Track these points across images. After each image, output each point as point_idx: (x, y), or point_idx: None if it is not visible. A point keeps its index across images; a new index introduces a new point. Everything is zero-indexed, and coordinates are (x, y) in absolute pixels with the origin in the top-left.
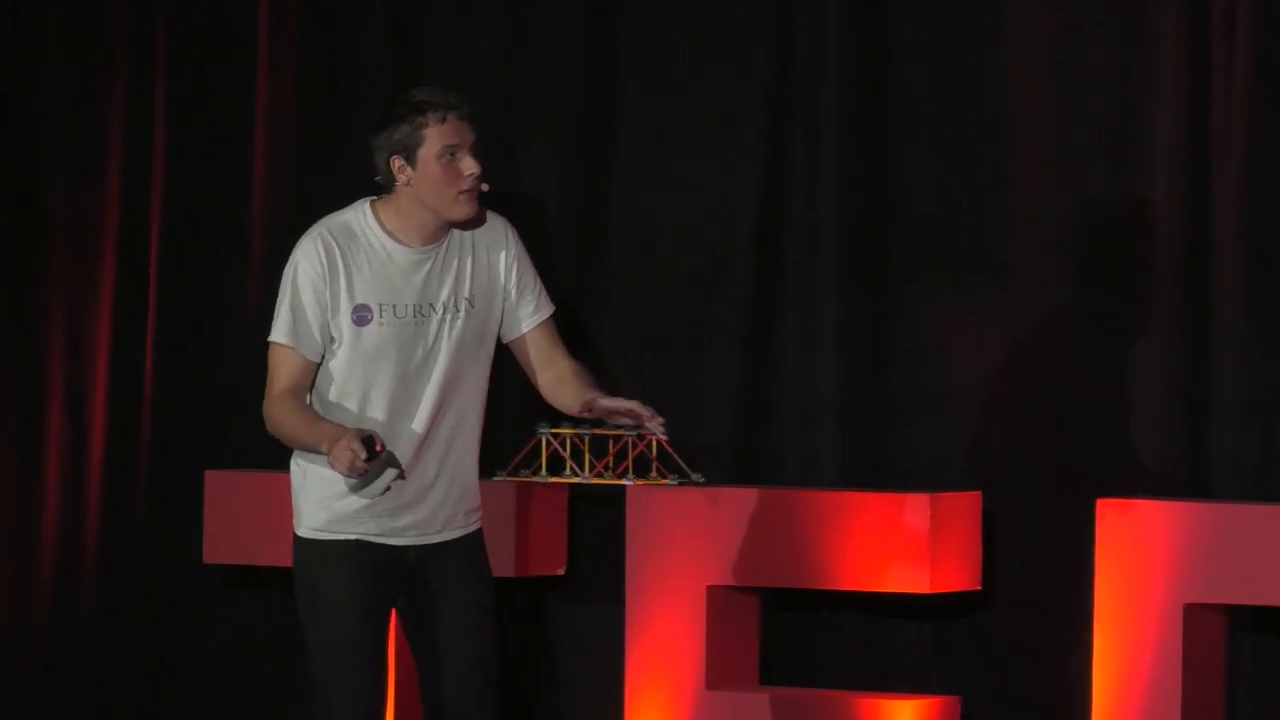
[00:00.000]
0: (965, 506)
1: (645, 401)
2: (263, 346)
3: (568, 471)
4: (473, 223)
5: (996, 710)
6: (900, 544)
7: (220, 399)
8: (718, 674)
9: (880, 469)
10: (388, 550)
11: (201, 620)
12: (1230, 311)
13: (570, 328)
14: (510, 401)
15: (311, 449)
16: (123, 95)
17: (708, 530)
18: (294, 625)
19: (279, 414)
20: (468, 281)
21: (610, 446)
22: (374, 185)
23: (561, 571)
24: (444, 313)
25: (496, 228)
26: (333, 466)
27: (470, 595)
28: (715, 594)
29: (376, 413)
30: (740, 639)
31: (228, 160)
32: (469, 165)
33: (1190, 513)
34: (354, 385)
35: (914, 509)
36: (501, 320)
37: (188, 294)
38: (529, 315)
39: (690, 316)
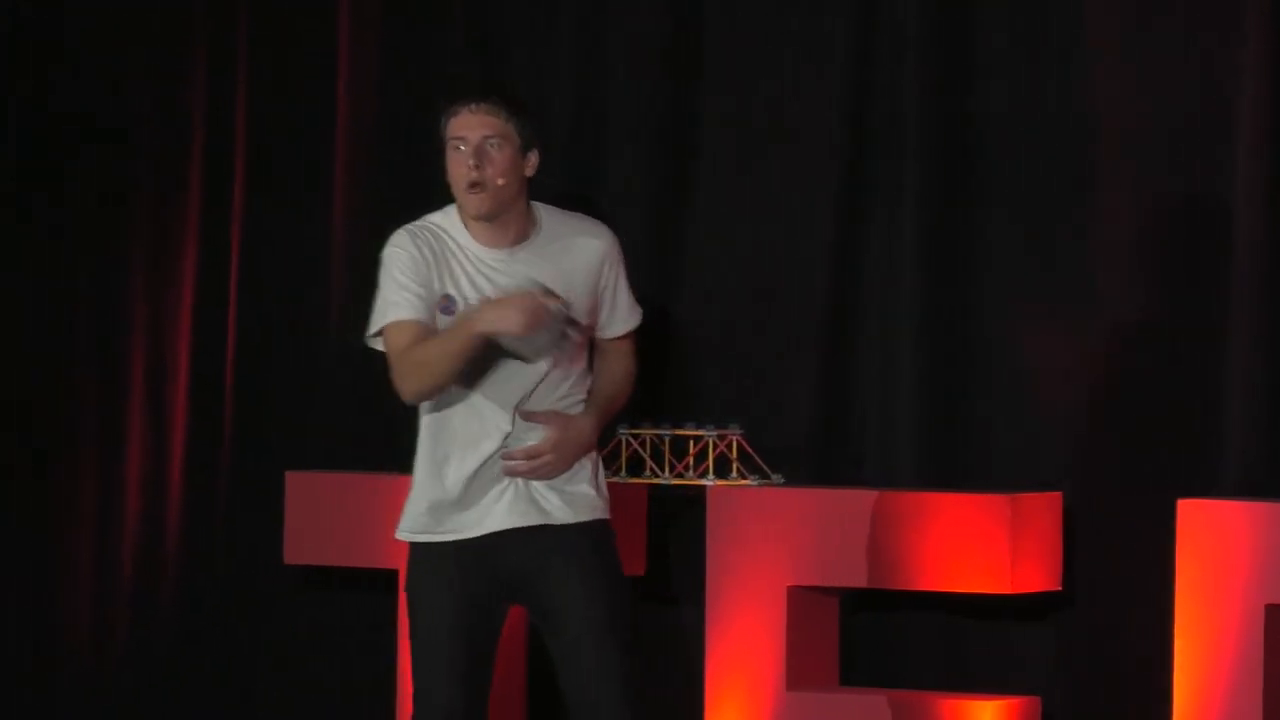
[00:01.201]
0: (1045, 507)
1: (725, 404)
2: (345, 347)
3: (648, 472)
4: (568, 226)
5: (1077, 711)
6: (980, 544)
7: (301, 399)
8: (798, 674)
9: (960, 469)
10: (483, 545)
11: (282, 621)
12: None
13: (651, 327)
14: None
15: (466, 347)
16: (203, 92)
17: (788, 531)
18: (374, 625)
19: (414, 357)
20: (555, 282)
21: (690, 447)
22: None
23: (642, 572)
24: None
25: (595, 235)
26: (498, 328)
27: (588, 591)
28: (795, 594)
29: (467, 398)
30: (820, 639)
31: (309, 160)
32: (456, 165)
33: (1272, 513)
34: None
35: (994, 509)
36: (596, 324)
37: (269, 294)
38: (608, 326)
39: (770, 317)
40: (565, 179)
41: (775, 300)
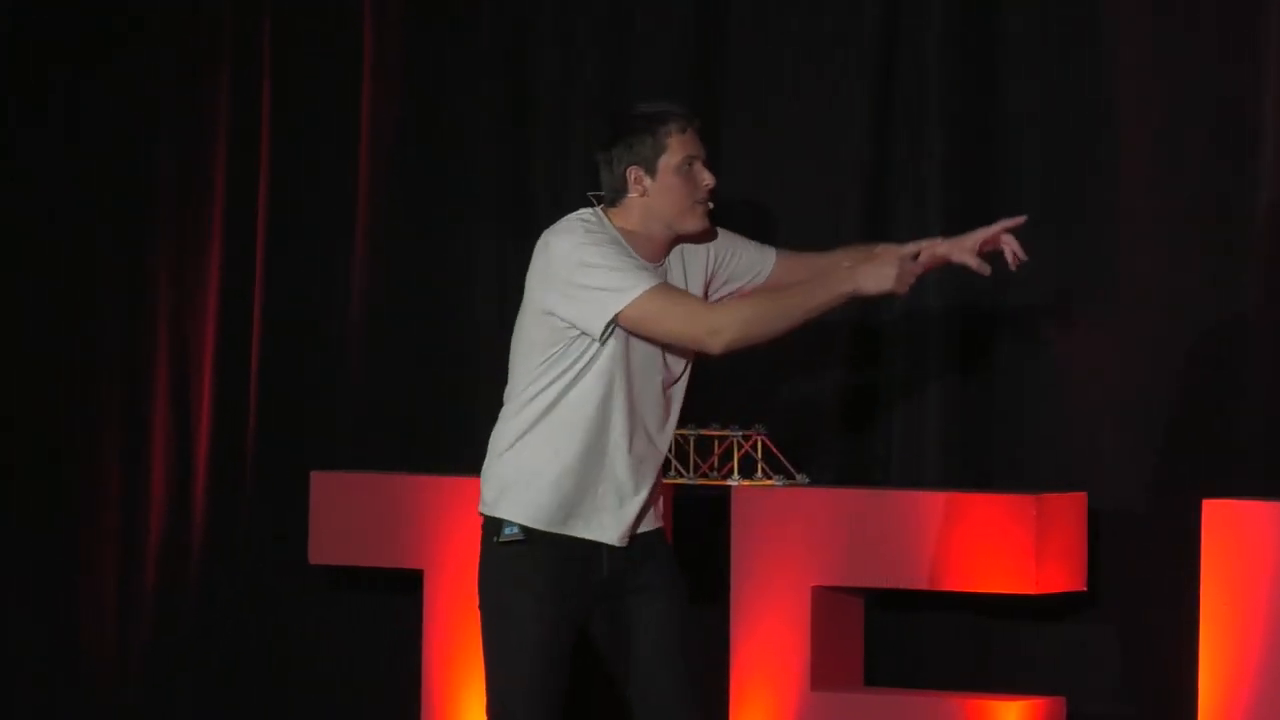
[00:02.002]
0: (1071, 507)
1: (749, 404)
2: (367, 349)
3: (673, 472)
4: (702, 236)
5: (1102, 712)
6: (1005, 544)
7: (326, 400)
8: (822, 674)
9: (985, 469)
10: (587, 546)
11: (306, 621)
12: None
13: None
14: None
15: (829, 305)
16: (228, 90)
17: (812, 531)
18: (399, 625)
19: (742, 315)
20: (695, 289)
21: (715, 447)
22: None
23: None
24: None
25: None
26: (879, 287)
27: (662, 609)
28: (820, 595)
29: (606, 404)
30: (845, 639)
31: (334, 159)
32: (706, 176)
33: None
34: (590, 371)
35: (1019, 509)
36: (726, 287)
37: (293, 295)
38: (760, 264)
39: None
40: (588, 182)
41: None
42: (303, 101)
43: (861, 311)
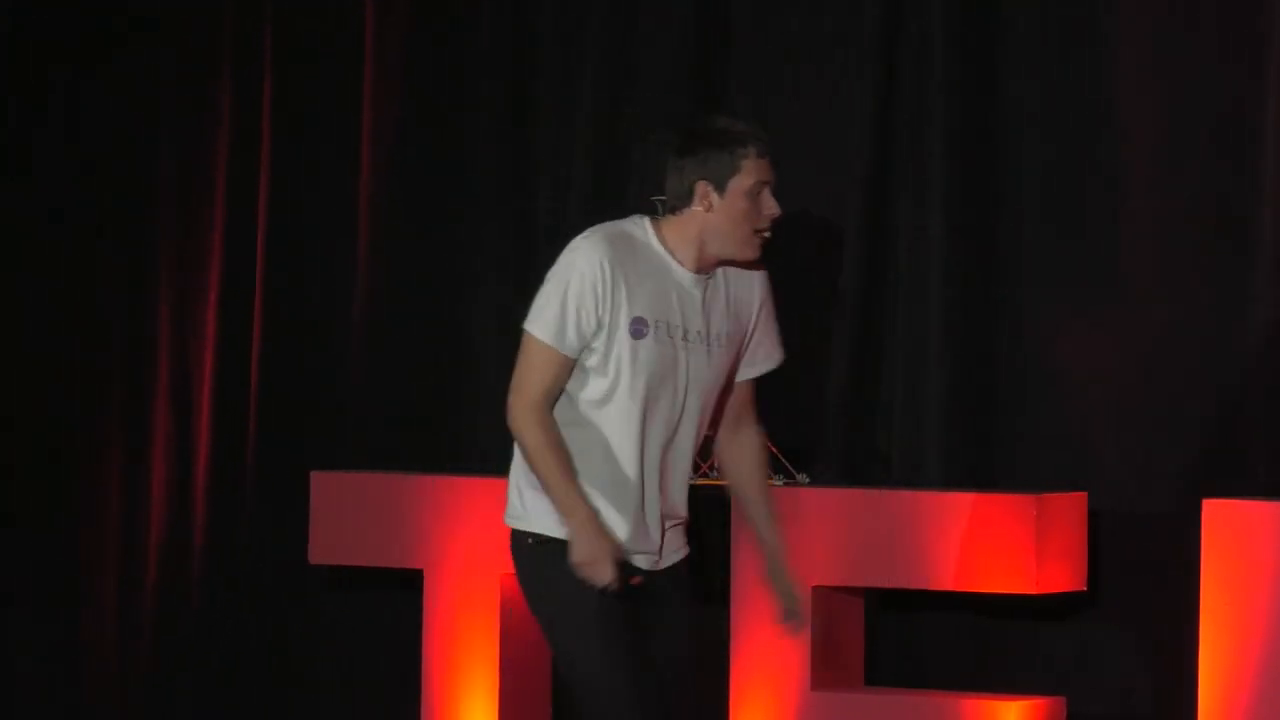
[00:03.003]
0: (1071, 507)
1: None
2: (367, 349)
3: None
4: (750, 266)
5: (1102, 711)
6: (1006, 544)
7: (326, 400)
8: (823, 674)
9: (986, 470)
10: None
11: (307, 621)
12: None
13: None
14: None
15: (551, 499)
16: (229, 90)
17: (813, 531)
18: (398, 624)
19: (532, 433)
20: (731, 319)
21: (715, 447)
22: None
23: None
24: (708, 343)
25: (754, 272)
26: (571, 557)
27: (686, 630)
28: (821, 594)
29: (627, 425)
30: (845, 639)
31: (333, 164)
32: (771, 205)
33: None
34: (618, 396)
35: (1020, 510)
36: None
37: (294, 295)
38: (748, 367)
39: (795, 317)
40: (590, 181)
41: (800, 301)
42: (303, 101)
43: (861, 312)
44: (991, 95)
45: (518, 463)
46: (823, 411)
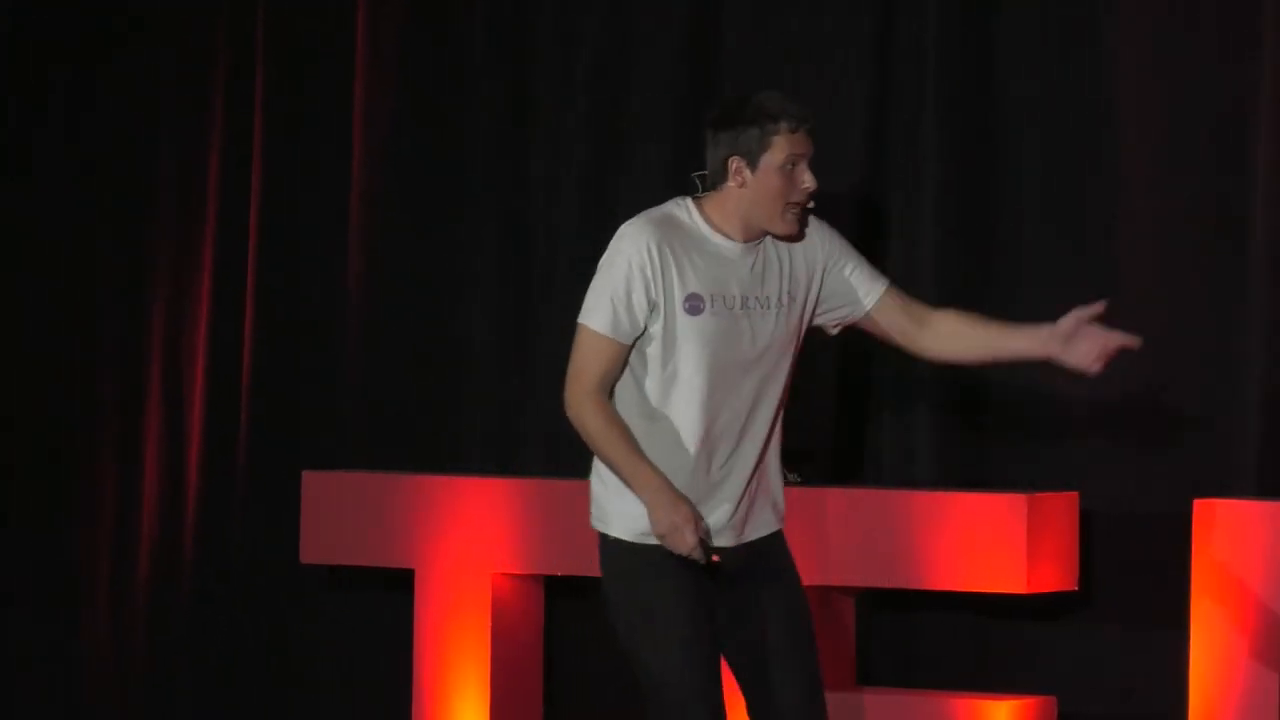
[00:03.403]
0: (1063, 506)
1: None
2: (359, 349)
3: None
4: (794, 239)
5: (1093, 711)
6: (998, 544)
7: (318, 399)
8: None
9: (978, 469)
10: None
11: (298, 620)
12: None
13: None
14: None
15: (622, 479)
16: (222, 90)
17: (804, 530)
18: (390, 624)
19: (591, 417)
20: (787, 278)
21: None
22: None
23: None
24: (770, 307)
25: (810, 222)
26: (654, 530)
27: (788, 602)
28: (812, 594)
29: (694, 406)
30: (837, 639)
31: (326, 160)
32: (807, 178)
33: None
34: (680, 377)
35: (1012, 509)
36: (822, 309)
37: (287, 294)
38: (867, 289)
39: None
40: (584, 176)
41: None
42: (297, 99)
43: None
44: (989, 95)
45: (596, 463)
46: (814, 411)
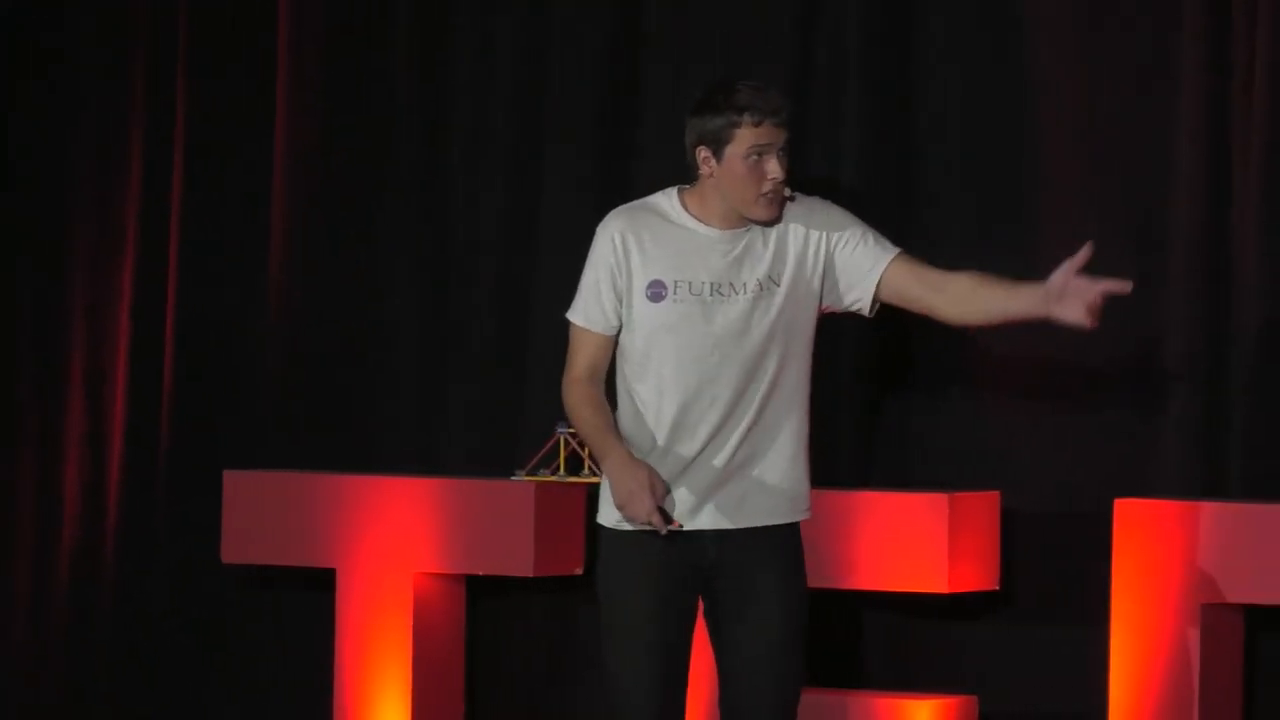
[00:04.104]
0: (984, 506)
1: None
2: (280, 348)
3: (586, 471)
4: (773, 222)
5: (1014, 710)
6: (919, 543)
7: (239, 399)
8: None
9: (898, 468)
10: (684, 538)
11: (220, 620)
12: (1252, 311)
13: None
14: (532, 402)
15: (595, 456)
16: (143, 96)
17: None
18: (312, 623)
19: (572, 400)
20: (781, 262)
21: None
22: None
23: (580, 571)
24: (746, 293)
25: (809, 204)
26: (614, 501)
27: (779, 599)
28: None
29: (663, 392)
30: None
31: (247, 159)
32: (772, 169)
33: (1208, 512)
34: (651, 363)
35: (933, 508)
36: (834, 291)
37: (207, 295)
38: (873, 263)
39: None
40: (506, 175)
41: None
42: (218, 101)
43: None
44: (907, 101)
45: None
46: None
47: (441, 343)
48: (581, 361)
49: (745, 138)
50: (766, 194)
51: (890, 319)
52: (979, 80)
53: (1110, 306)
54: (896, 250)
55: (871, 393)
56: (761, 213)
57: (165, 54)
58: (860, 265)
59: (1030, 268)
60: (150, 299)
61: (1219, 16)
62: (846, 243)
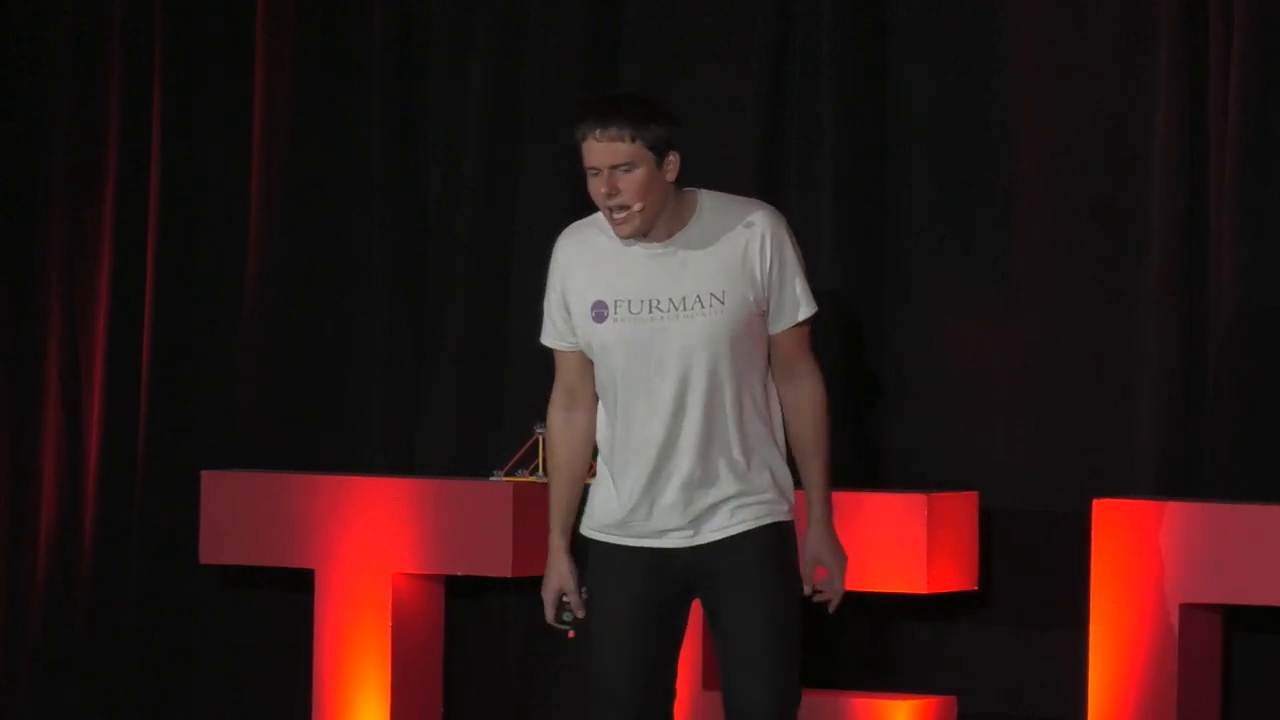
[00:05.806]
0: (962, 506)
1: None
2: (257, 348)
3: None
4: (728, 213)
5: (993, 710)
6: (897, 544)
7: (217, 399)
8: (713, 674)
9: (877, 468)
10: (658, 554)
11: (198, 621)
12: (1229, 310)
13: None
14: (510, 402)
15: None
16: (119, 97)
17: None
18: (289, 624)
19: (549, 433)
20: (711, 276)
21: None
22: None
23: None
24: (682, 308)
25: (753, 218)
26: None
27: (753, 601)
28: None
29: (624, 411)
30: None
31: (224, 163)
32: (594, 190)
33: (1186, 512)
34: (604, 382)
35: (911, 509)
36: (767, 313)
37: (185, 295)
38: (775, 321)
39: None
40: (481, 178)
41: None
42: (194, 97)
43: None
44: (881, 99)
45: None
46: None
47: (419, 343)
48: (559, 381)
49: (584, 153)
50: (610, 210)
51: (868, 319)
52: (954, 77)
53: (1087, 306)
54: (790, 325)
55: (848, 393)
56: (616, 229)
57: (140, 58)
58: (779, 307)
59: (1008, 267)
60: (128, 301)
61: (1193, 14)
62: (773, 285)
